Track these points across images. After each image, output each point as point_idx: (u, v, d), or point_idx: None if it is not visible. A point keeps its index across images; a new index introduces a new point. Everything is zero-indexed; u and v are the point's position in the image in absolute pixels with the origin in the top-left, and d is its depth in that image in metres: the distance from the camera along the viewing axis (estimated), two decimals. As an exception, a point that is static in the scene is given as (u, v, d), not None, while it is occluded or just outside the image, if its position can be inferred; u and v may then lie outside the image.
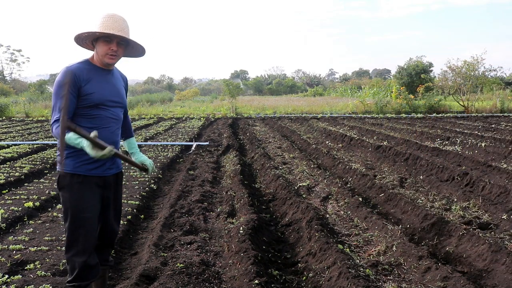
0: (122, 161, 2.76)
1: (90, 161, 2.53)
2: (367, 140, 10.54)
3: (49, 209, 5.23)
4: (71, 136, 2.35)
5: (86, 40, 2.59)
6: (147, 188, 6.11)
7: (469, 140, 10.09)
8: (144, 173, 2.86)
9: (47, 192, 5.84)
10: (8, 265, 3.54)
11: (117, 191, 2.80)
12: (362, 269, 3.45)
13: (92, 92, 2.52)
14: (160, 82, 58.45)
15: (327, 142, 11.30)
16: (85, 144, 2.33)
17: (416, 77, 28.27)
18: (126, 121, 2.93)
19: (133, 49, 2.71)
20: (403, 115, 19.87)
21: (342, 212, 5.22)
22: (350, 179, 6.77)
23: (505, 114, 19.49)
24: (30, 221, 4.73)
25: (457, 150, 9.10)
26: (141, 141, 11.23)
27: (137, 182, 6.46)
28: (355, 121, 16.99)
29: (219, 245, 4.15)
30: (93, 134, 2.33)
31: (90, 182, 2.57)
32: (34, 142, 10.91)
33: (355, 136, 11.60)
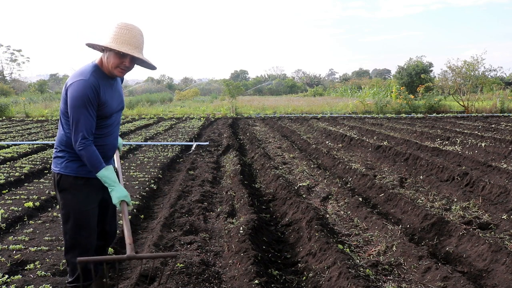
0: (115, 159, 2.88)
1: None
2: (367, 140, 10.53)
3: (49, 209, 5.23)
4: (108, 175, 2.42)
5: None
6: (147, 188, 6.11)
7: (469, 140, 10.09)
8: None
9: (47, 192, 5.84)
10: (8, 265, 3.54)
11: None
12: (362, 269, 3.46)
13: (105, 105, 2.47)
14: (160, 82, 58.39)
15: (327, 142, 11.30)
16: (115, 194, 2.43)
17: (416, 77, 28.26)
18: None
19: (143, 62, 2.59)
20: (403, 115, 19.86)
21: (342, 212, 5.22)
22: (350, 179, 6.77)
23: (505, 114, 19.48)
24: (30, 221, 4.74)
25: (457, 150, 9.10)
26: (141, 141, 11.23)
27: (137, 182, 6.46)
28: (355, 121, 16.99)
29: (219, 245, 4.15)
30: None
31: (92, 184, 2.57)
32: (34, 142, 10.91)
33: (355, 136, 11.60)
